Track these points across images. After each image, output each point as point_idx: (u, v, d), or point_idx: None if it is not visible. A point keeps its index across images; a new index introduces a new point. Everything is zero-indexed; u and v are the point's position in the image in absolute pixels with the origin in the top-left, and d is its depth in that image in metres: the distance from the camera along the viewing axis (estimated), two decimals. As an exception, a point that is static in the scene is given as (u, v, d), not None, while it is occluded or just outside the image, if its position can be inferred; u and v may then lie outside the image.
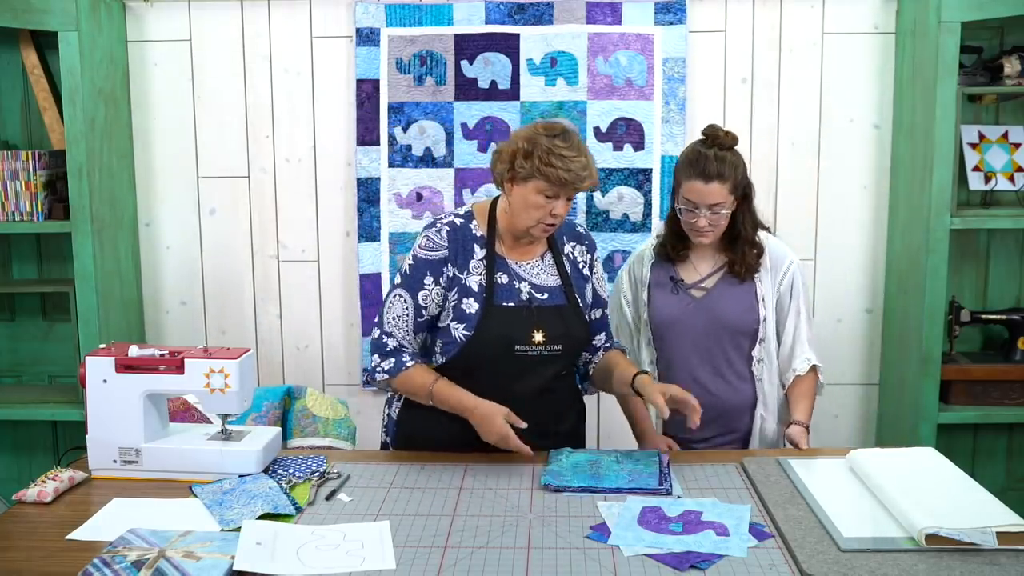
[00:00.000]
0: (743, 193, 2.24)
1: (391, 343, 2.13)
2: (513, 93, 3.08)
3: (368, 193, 3.14)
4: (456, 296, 2.11)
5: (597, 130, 3.08)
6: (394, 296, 2.13)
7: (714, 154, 2.18)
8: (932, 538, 1.59)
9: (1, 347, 3.33)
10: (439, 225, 2.14)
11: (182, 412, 2.65)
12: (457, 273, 2.11)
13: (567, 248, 2.22)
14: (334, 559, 1.60)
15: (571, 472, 1.98)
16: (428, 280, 2.11)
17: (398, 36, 3.08)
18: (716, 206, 2.18)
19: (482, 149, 3.09)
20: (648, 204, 3.10)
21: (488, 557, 1.61)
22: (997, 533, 1.59)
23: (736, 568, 1.56)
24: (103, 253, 2.96)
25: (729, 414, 2.31)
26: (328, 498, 1.88)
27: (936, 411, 2.89)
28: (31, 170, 2.92)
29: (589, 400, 3.17)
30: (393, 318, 2.13)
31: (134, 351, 2.01)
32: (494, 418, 2.00)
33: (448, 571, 1.57)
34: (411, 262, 2.13)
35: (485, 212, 2.17)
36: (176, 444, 2.02)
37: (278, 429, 2.14)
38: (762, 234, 2.32)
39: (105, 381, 1.99)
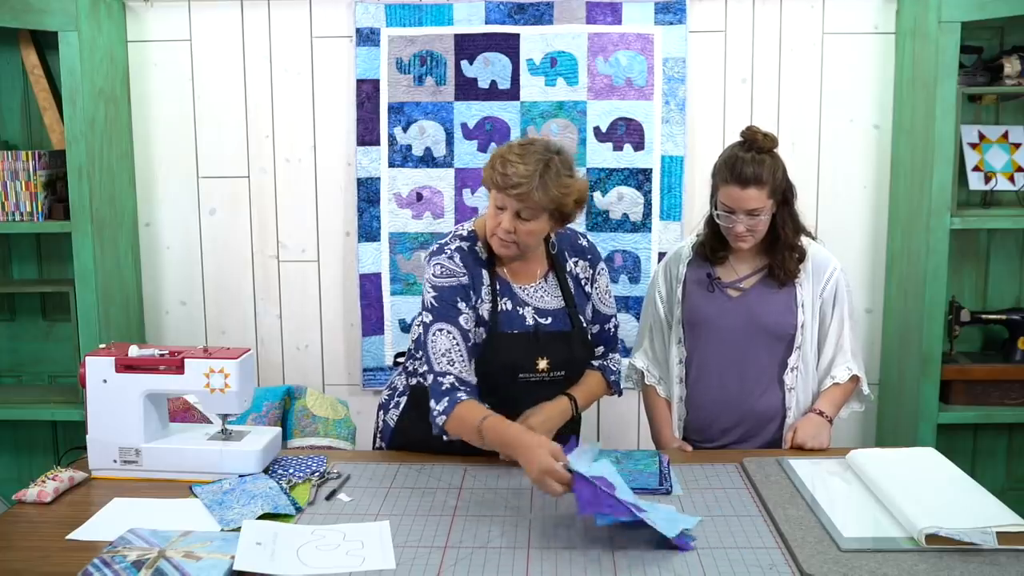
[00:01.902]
0: (783, 197, 2.19)
1: (447, 382, 1.95)
2: (513, 93, 3.08)
3: (368, 193, 3.14)
4: None
5: (597, 130, 3.08)
6: (434, 332, 1.98)
7: (751, 157, 2.12)
8: (932, 538, 1.59)
9: (1, 347, 3.33)
10: (448, 252, 2.04)
11: (182, 412, 2.66)
12: (474, 301, 2.05)
13: (569, 264, 2.16)
14: (334, 559, 1.60)
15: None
16: (462, 305, 2.00)
17: (398, 36, 3.08)
18: (754, 211, 2.13)
19: (482, 149, 3.09)
20: (648, 204, 3.09)
21: (488, 557, 1.61)
22: (997, 533, 1.59)
23: (736, 568, 1.57)
24: (103, 253, 2.96)
25: (755, 421, 2.25)
26: (328, 498, 1.88)
27: (936, 411, 2.89)
28: (31, 170, 2.92)
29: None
30: (445, 354, 1.96)
31: (134, 351, 2.01)
32: (534, 451, 1.72)
33: (448, 571, 1.57)
34: (434, 294, 2.00)
35: (484, 229, 2.08)
36: (176, 444, 2.02)
37: (278, 429, 2.14)
38: (805, 240, 2.26)
39: (105, 381, 1.99)
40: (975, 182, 3.03)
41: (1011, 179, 3.03)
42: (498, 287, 2.07)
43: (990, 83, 2.92)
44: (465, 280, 2.02)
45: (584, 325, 2.14)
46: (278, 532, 1.69)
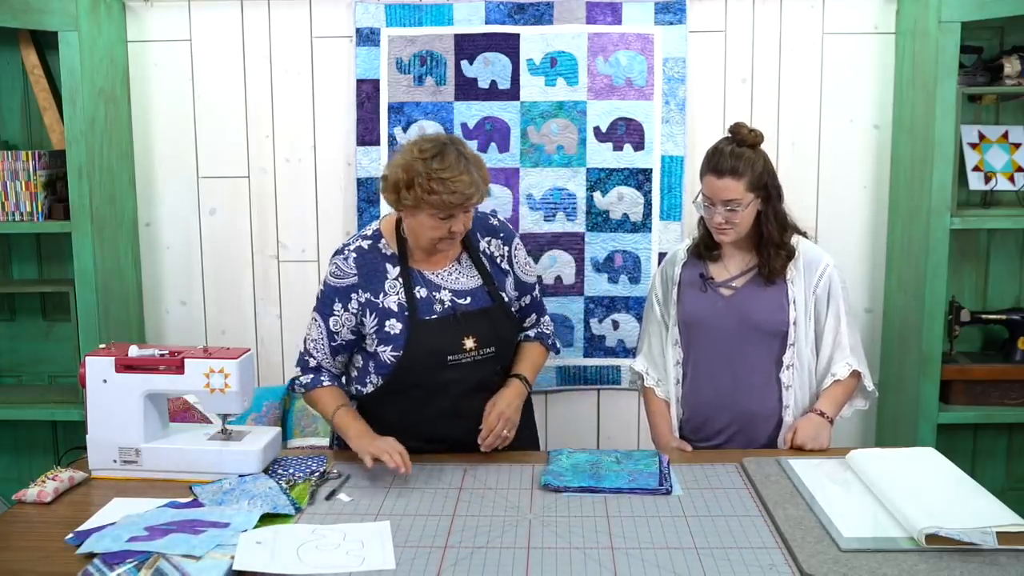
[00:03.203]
0: (767, 193, 2.20)
1: (312, 362, 2.16)
2: (513, 93, 3.08)
3: (368, 193, 3.14)
4: (376, 320, 2.09)
5: (597, 130, 3.08)
6: (312, 319, 2.15)
7: (731, 150, 2.17)
8: (932, 538, 1.59)
9: (1, 347, 3.33)
10: (346, 252, 2.13)
11: (182, 412, 2.66)
12: (371, 298, 2.09)
13: (483, 244, 2.18)
14: (334, 559, 1.60)
15: (571, 472, 1.98)
16: (337, 307, 2.10)
17: (398, 36, 3.08)
18: (731, 202, 2.16)
19: (482, 149, 3.08)
20: (648, 204, 3.09)
21: (488, 557, 1.61)
22: (997, 533, 1.59)
23: (736, 568, 1.57)
24: (103, 253, 2.96)
25: (751, 419, 2.25)
26: (328, 498, 1.88)
27: (936, 411, 2.89)
28: (31, 170, 2.92)
29: (589, 401, 3.20)
30: (311, 341, 2.15)
31: (134, 351, 2.01)
32: (373, 443, 1.98)
33: (448, 571, 1.57)
34: (322, 288, 2.14)
35: (393, 229, 2.14)
36: (176, 444, 2.02)
37: (278, 429, 2.14)
38: (798, 238, 2.27)
39: (105, 381, 1.99)
40: (975, 182, 3.03)
41: (1011, 179, 3.03)
42: (411, 277, 2.10)
43: (990, 83, 2.92)
44: (353, 281, 2.10)
45: (506, 300, 2.17)
46: (278, 532, 1.69)
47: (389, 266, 2.11)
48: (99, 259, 2.93)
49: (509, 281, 2.21)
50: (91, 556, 1.60)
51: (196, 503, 1.83)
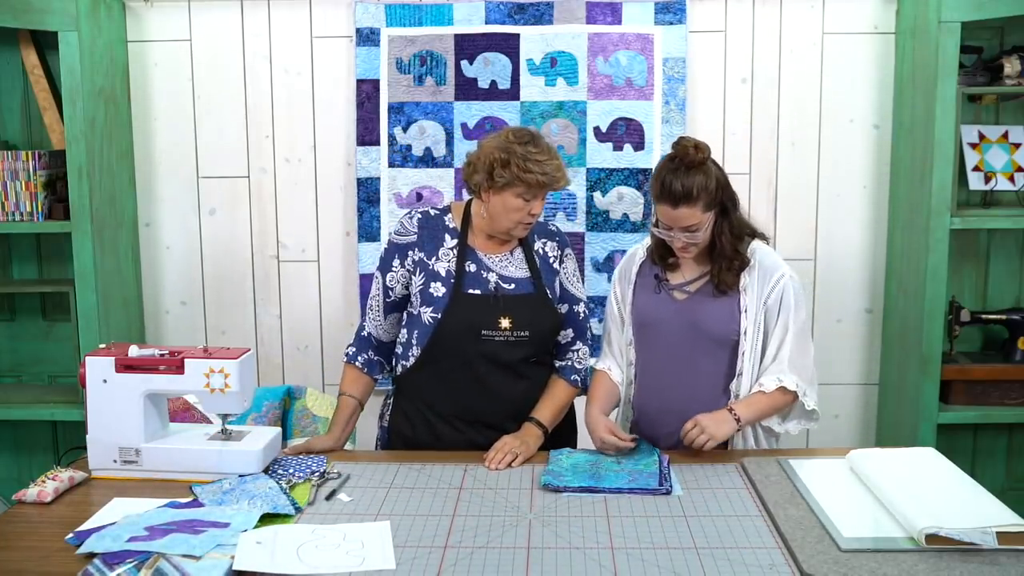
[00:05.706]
0: (722, 207, 2.12)
1: (365, 330, 2.31)
2: (513, 93, 3.08)
3: (368, 193, 3.14)
4: (423, 280, 2.20)
5: (597, 130, 3.08)
6: (373, 279, 2.30)
7: (681, 174, 2.05)
8: (932, 538, 1.59)
9: (1, 347, 3.33)
10: (413, 213, 2.28)
11: (182, 412, 2.65)
12: (424, 258, 2.21)
13: (538, 244, 2.28)
14: (334, 559, 1.60)
15: (571, 472, 1.98)
16: (395, 263, 2.24)
17: (398, 36, 3.08)
18: (690, 227, 2.08)
19: (482, 149, 3.08)
20: (648, 204, 3.09)
21: (488, 557, 1.61)
22: (997, 533, 1.59)
23: (736, 568, 1.57)
24: (103, 253, 2.96)
25: None
26: (328, 498, 1.88)
27: (936, 411, 2.89)
28: (31, 170, 2.92)
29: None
30: (370, 299, 2.30)
31: (134, 351, 2.01)
32: (323, 439, 2.21)
33: (448, 571, 1.57)
34: (385, 246, 2.29)
35: (461, 210, 2.27)
36: (176, 444, 2.02)
37: (278, 429, 2.14)
38: (756, 244, 2.20)
39: (105, 381, 1.98)
40: (975, 182, 3.03)
41: (1011, 179, 3.03)
42: (465, 251, 2.21)
43: (990, 83, 2.92)
44: (412, 239, 2.24)
45: (549, 295, 2.24)
46: (278, 532, 1.69)
47: (448, 236, 2.23)
48: (99, 259, 2.93)
49: (556, 282, 2.29)
50: (91, 556, 1.60)
51: (196, 503, 1.83)
